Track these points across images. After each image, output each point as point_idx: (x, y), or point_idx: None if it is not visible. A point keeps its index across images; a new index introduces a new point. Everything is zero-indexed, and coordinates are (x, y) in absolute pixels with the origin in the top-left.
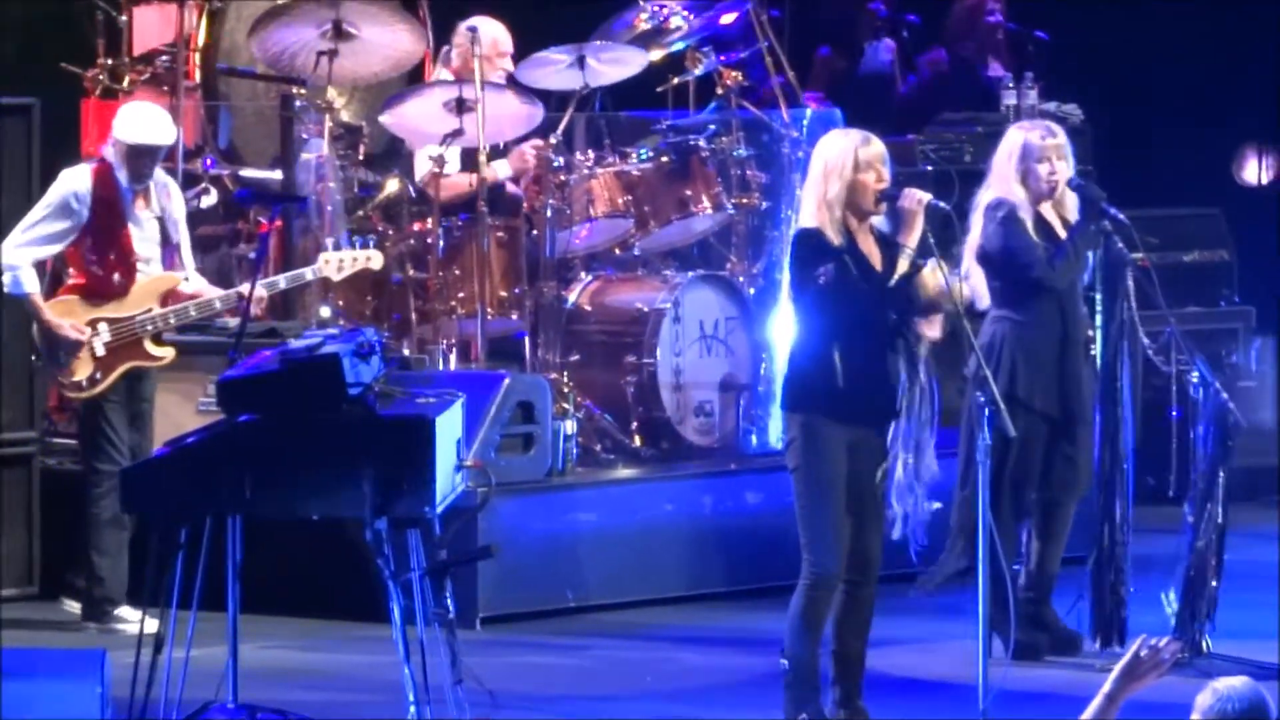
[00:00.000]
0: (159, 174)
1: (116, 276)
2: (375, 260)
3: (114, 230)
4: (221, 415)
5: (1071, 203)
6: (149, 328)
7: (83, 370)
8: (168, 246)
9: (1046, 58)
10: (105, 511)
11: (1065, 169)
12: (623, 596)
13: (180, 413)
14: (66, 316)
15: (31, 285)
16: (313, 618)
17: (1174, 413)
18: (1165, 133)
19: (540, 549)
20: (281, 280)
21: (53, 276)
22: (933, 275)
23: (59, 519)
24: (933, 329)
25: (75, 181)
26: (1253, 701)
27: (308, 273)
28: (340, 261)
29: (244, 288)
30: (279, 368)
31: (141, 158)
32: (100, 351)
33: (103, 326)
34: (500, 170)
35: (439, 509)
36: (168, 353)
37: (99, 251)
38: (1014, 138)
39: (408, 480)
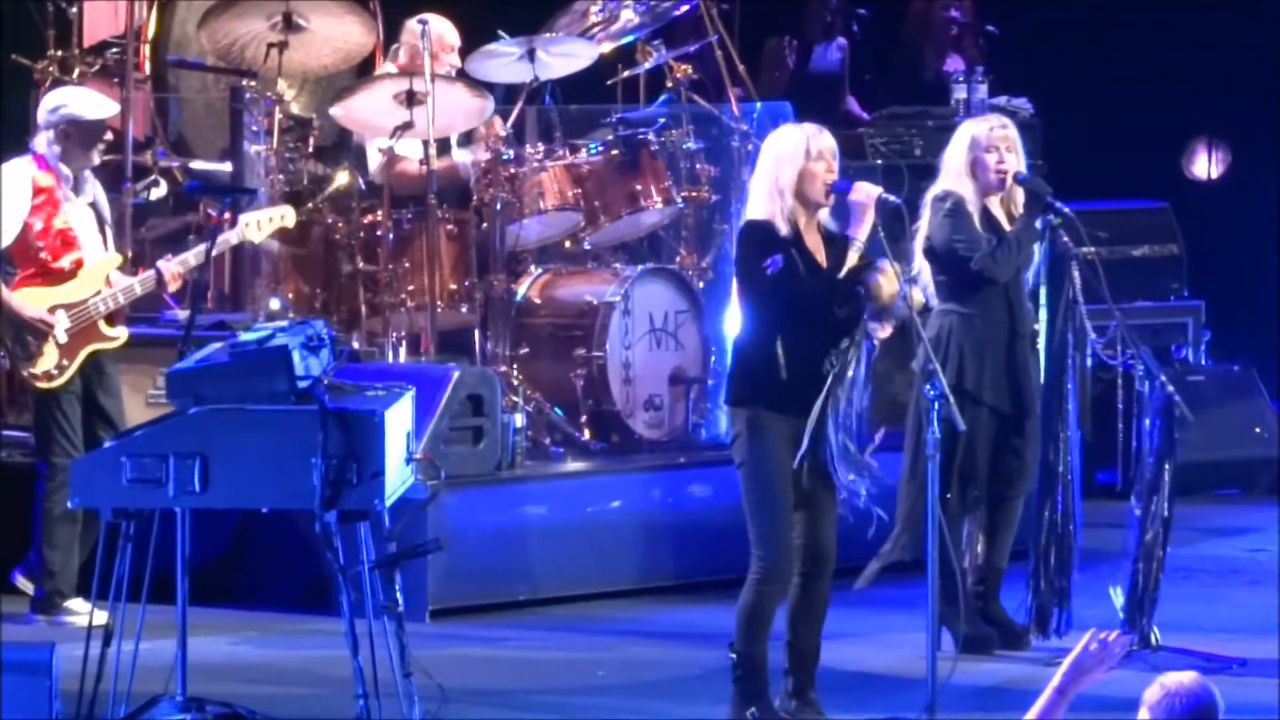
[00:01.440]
0: None
1: (65, 261)
2: (289, 217)
3: (56, 220)
4: (171, 407)
5: (1021, 198)
6: (102, 308)
7: (49, 359)
8: (102, 231)
9: (997, 52)
10: (58, 506)
11: (1015, 161)
12: (572, 589)
13: (129, 405)
14: (31, 307)
15: None
16: (261, 610)
17: (1120, 407)
18: (1115, 127)
19: (490, 542)
20: (209, 247)
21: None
22: (888, 280)
23: (7, 513)
24: (883, 330)
25: (16, 175)
26: (1201, 697)
27: (232, 236)
28: (259, 222)
29: (164, 264)
30: (228, 360)
31: (93, 134)
32: (62, 338)
33: (60, 314)
34: (461, 158)
35: (388, 502)
36: (122, 333)
37: (46, 239)
38: (963, 130)
39: (357, 473)
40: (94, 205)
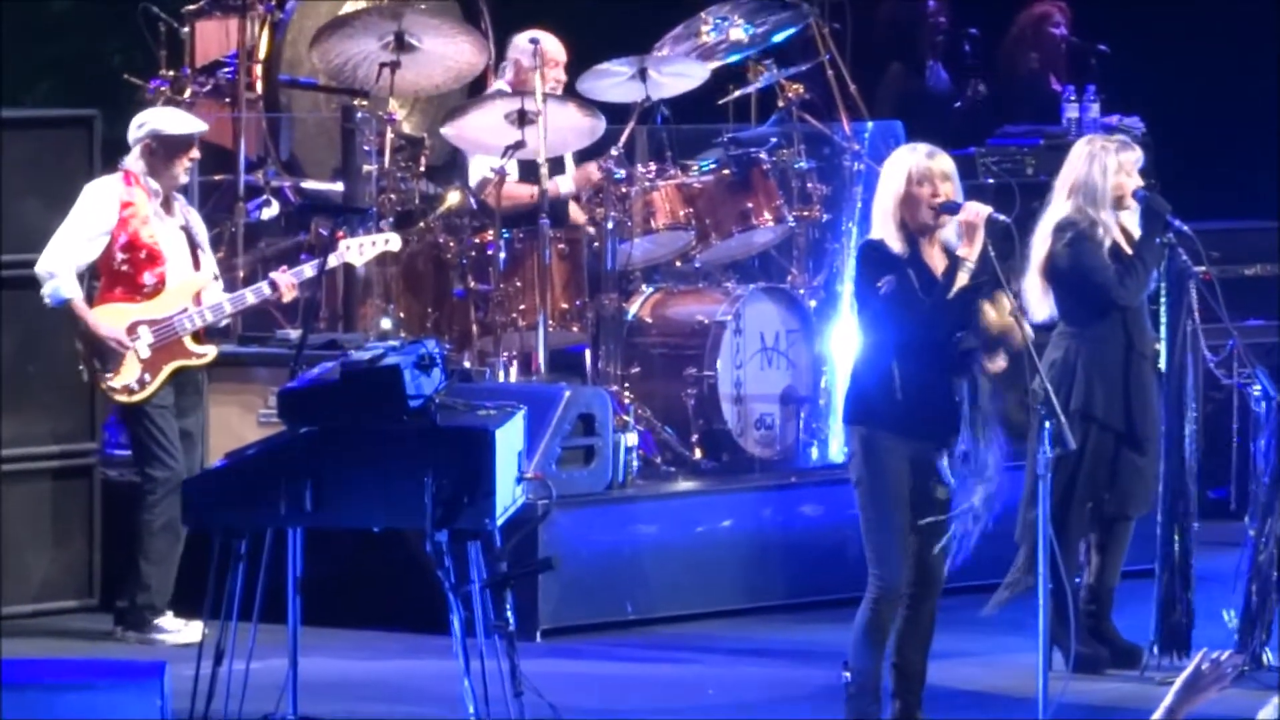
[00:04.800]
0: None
1: (149, 278)
2: (394, 242)
3: (143, 235)
4: (282, 427)
5: (1133, 216)
6: (187, 325)
7: (130, 374)
8: (194, 253)
9: (1108, 70)
10: (158, 519)
11: (1135, 181)
12: (683, 609)
13: (241, 425)
14: (107, 322)
15: (71, 291)
16: (373, 629)
17: (1235, 426)
18: (1226, 145)
19: (601, 561)
20: (307, 269)
21: (85, 290)
22: (998, 311)
23: (120, 531)
24: (996, 364)
25: (104, 190)
26: None
27: (331, 259)
28: (361, 246)
29: (278, 275)
30: (340, 379)
31: (178, 149)
32: (145, 354)
33: (143, 329)
34: (563, 185)
35: (499, 521)
36: (209, 350)
37: (129, 254)
38: (1094, 155)
39: (468, 492)
40: (186, 228)
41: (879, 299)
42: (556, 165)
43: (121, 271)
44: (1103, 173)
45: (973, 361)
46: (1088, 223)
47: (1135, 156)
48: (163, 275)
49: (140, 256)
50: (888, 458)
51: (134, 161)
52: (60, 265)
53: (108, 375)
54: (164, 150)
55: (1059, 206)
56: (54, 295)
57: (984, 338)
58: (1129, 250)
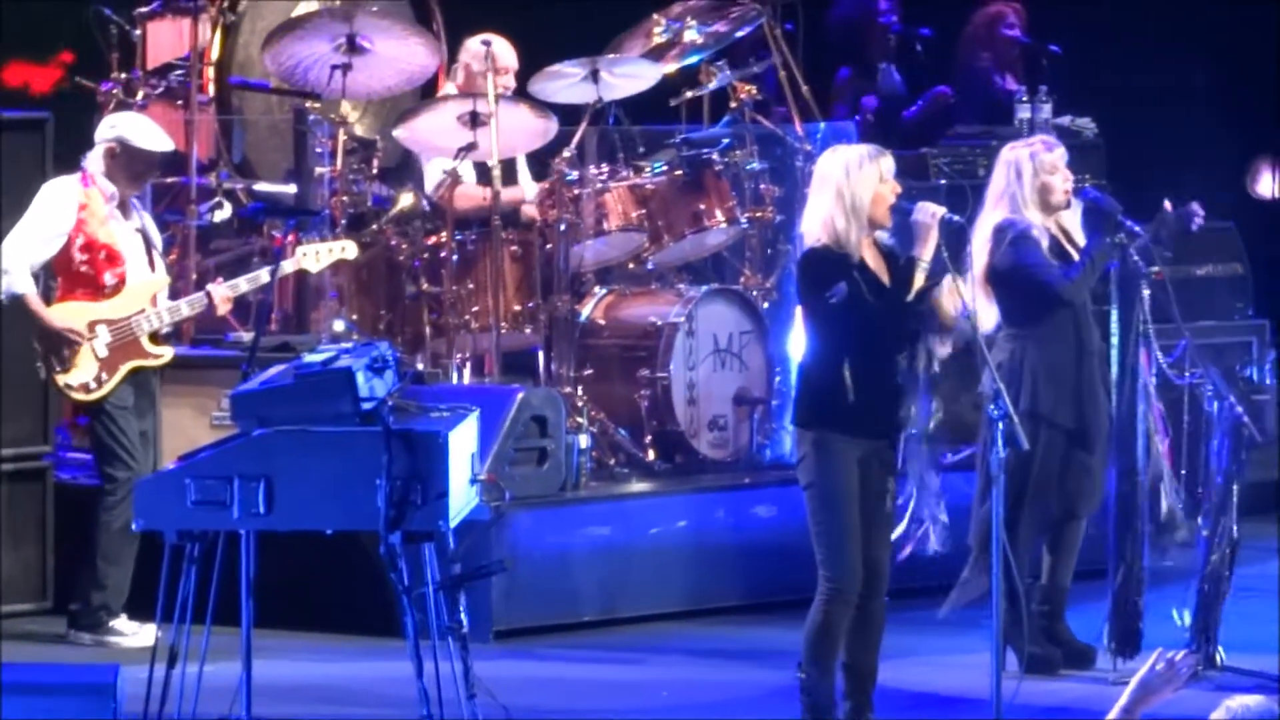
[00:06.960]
0: None
1: (109, 278)
2: (350, 250)
3: (100, 236)
4: (235, 429)
5: (1070, 216)
6: (145, 326)
7: (86, 371)
8: (150, 255)
9: (1060, 72)
10: (117, 519)
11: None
12: (636, 610)
13: (194, 427)
14: (64, 319)
15: (25, 286)
16: (326, 632)
17: (1186, 426)
18: (1179, 146)
19: (554, 563)
20: (264, 274)
21: (43, 291)
22: (950, 298)
23: (74, 534)
24: (945, 347)
25: (62, 190)
26: None
27: (287, 265)
28: (317, 253)
29: (214, 287)
30: (292, 382)
31: (140, 163)
32: (102, 352)
33: (101, 328)
34: (529, 191)
35: (453, 523)
36: (166, 351)
37: (89, 254)
38: (1019, 156)
39: (421, 494)
40: (142, 231)
41: (832, 305)
42: (509, 167)
43: (81, 272)
44: (1018, 179)
45: (922, 338)
46: (1025, 224)
47: (1056, 156)
48: (123, 275)
49: (100, 257)
50: (840, 459)
51: (94, 161)
52: (14, 261)
53: (64, 372)
54: (125, 159)
55: (990, 216)
56: (7, 290)
57: (937, 323)
58: (1071, 249)
